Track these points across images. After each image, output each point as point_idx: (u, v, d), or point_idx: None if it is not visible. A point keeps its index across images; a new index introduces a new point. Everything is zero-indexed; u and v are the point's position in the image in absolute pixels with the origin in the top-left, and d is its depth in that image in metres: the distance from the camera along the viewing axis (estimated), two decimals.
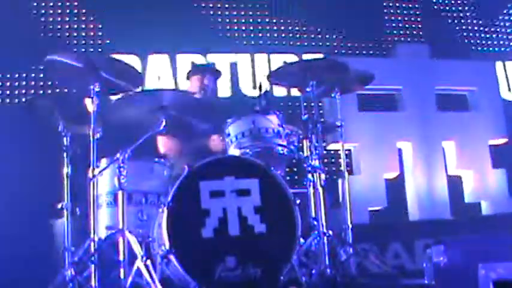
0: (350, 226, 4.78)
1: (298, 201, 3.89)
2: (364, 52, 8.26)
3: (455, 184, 7.68)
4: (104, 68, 4.00)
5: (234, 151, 4.34)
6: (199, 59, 7.30)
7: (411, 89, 7.52)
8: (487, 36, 9.11)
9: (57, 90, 6.70)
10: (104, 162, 4.15)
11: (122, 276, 3.65)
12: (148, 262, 3.63)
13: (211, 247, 3.63)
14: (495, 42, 9.10)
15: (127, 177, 3.85)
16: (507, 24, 9.28)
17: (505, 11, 9.35)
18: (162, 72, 7.36)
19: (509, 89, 8.77)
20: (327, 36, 8.18)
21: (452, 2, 9.08)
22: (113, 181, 3.91)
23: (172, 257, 3.58)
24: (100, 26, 7.36)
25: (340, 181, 5.33)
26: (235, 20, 7.87)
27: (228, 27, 7.83)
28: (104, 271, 3.78)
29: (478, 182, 7.56)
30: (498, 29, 9.19)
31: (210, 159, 3.94)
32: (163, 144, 5.31)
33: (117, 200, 3.87)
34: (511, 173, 7.92)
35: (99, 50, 7.21)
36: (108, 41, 7.33)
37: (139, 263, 3.62)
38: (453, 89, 8.00)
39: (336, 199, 5.47)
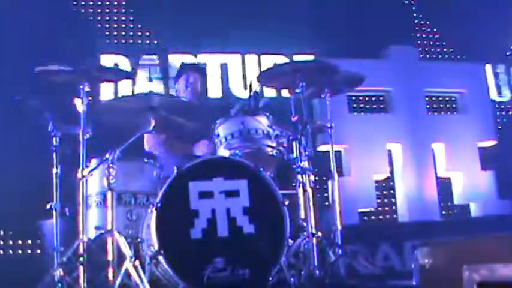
0: (339, 227, 4.78)
1: (287, 202, 3.90)
2: (354, 54, 8.27)
3: (444, 186, 7.73)
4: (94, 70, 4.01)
5: (223, 152, 4.33)
6: (189, 59, 7.29)
7: (401, 91, 7.55)
8: (477, 38, 9.14)
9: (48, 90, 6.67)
10: (93, 162, 4.13)
11: (110, 277, 3.64)
12: (137, 263, 3.62)
13: (200, 248, 3.64)
14: (485, 45, 9.14)
15: (116, 177, 3.83)
16: (496, 27, 9.32)
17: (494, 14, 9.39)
18: (152, 72, 7.34)
19: (499, 92, 8.81)
20: (318, 37, 8.19)
21: (442, 4, 9.11)
22: (102, 181, 3.89)
23: (161, 258, 3.58)
24: (90, 27, 7.33)
25: (329, 182, 5.33)
26: (225, 21, 7.85)
27: (218, 28, 7.82)
28: (93, 272, 3.77)
29: (467, 184, 7.60)
30: (487, 32, 9.22)
31: (199, 160, 3.95)
32: (152, 143, 5.29)
33: (106, 200, 3.85)
34: (500, 175, 7.97)
35: (90, 49, 7.17)
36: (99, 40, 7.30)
37: (128, 264, 3.61)
38: (443, 91, 8.05)
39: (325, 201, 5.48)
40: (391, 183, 7.53)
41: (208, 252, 3.62)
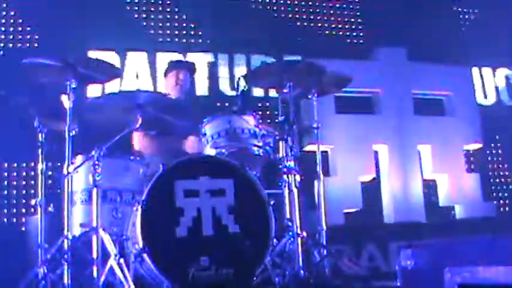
0: (325, 227, 4.79)
1: (272, 202, 3.91)
2: (342, 55, 8.29)
3: (430, 188, 7.76)
4: (80, 65, 3.99)
5: (209, 151, 4.33)
6: (178, 58, 7.28)
7: (388, 93, 7.57)
8: (464, 42, 9.20)
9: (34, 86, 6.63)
10: (79, 159, 4.12)
11: (94, 274, 3.63)
12: (122, 261, 3.62)
13: (185, 247, 3.63)
14: (472, 48, 9.19)
15: (102, 174, 3.83)
16: (483, 31, 9.38)
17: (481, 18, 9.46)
18: (140, 69, 7.31)
19: (485, 95, 8.86)
20: (305, 38, 8.21)
21: (431, 6, 9.14)
22: (88, 178, 3.89)
23: (145, 256, 3.57)
24: (78, 22, 7.29)
25: (315, 183, 5.33)
26: (214, 20, 7.85)
27: (206, 27, 7.82)
28: (77, 269, 3.76)
29: (453, 186, 7.63)
30: (475, 35, 9.28)
31: (186, 159, 3.95)
32: (138, 141, 5.28)
33: (91, 197, 3.85)
34: (485, 178, 8.02)
35: (77, 46, 7.14)
36: (86, 37, 7.26)
37: (112, 262, 3.61)
38: (430, 94, 8.07)
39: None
40: (377, 184, 7.54)
41: (193, 251, 3.61)
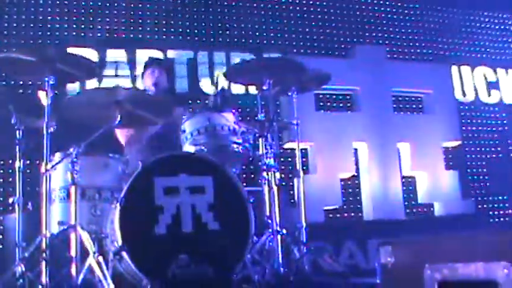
0: (304, 225, 4.79)
1: (252, 200, 3.90)
2: (322, 52, 8.32)
3: (409, 185, 7.81)
4: (59, 60, 3.94)
5: (189, 148, 4.32)
6: (157, 55, 7.24)
7: (368, 90, 7.59)
8: (444, 40, 9.27)
9: (12, 82, 6.57)
10: (57, 156, 4.08)
11: (73, 273, 3.60)
12: (101, 259, 3.59)
13: (164, 244, 3.62)
14: (451, 47, 9.27)
15: (81, 172, 3.79)
16: (462, 29, 9.47)
17: (461, 17, 9.54)
18: (119, 67, 7.27)
19: (464, 93, 8.93)
20: (285, 35, 8.22)
21: (411, 5, 9.21)
22: (66, 176, 3.85)
23: (124, 254, 3.55)
24: (57, 18, 7.24)
25: (295, 180, 5.35)
26: (195, 17, 7.84)
27: (187, 24, 7.80)
28: (55, 267, 3.73)
29: (432, 184, 7.68)
30: (454, 34, 9.36)
31: (165, 156, 3.92)
32: (122, 135, 5.24)
33: (70, 195, 3.81)
34: (464, 175, 8.08)
35: (56, 42, 7.09)
36: (65, 33, 7.22)
37: (91, 260, 3.58)
38: (409, 91, 8.12)
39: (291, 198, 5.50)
40: (357, 182, 7.58)
41: (173, 249, 3.60)
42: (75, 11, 7.28)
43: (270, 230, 4.16)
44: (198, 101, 7.18)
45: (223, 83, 4.70)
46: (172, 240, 3.64)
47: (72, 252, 3.67)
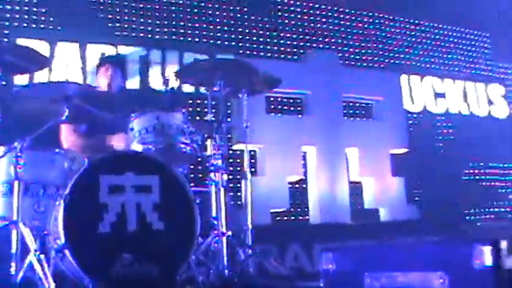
0: (250, 227, 4.80)
1: (198, 200, 3.89)
2: (275, 55, 8.36)
3: (356, 190, 7.90)
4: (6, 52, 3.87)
5: (136, 146, 4.27)
6: (109, 50, 7.17)
7: (318, 95, 7.65)
8: (395, 49, 9.44)
9: None
10: (0, 150, 4.00)
11: (12, 270, 3.53)
12: (42, 256, 3.53)
13: (108, 243, 3.57)
14: (402, 56, 9.43)
15: (25, 167, 3.73)
16: (412, 39, 9.65)
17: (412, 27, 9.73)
18: (70, 60, 7.17)
19: (412, 101, 9.09)
20: (239, 37, 8.24)
21: (364, 13, 9.33)
22: (10, 170, 3.78)
23: (67, 252, 3.49)
24: (8, 8, 7.10)
25: (243, 182, 5.35)
26: (149, 14, 7.78)
27: (141, 21, 7.74)
28: None
29: (378, 189, 7.79)
30: (404, 43, 9.54)
31: (112, 154, 3.89)
32: (66, 136, 5.16)
33: (12, 190, 3.73)
34: (409, 182, 8.22)
35: (6, 33, 6.95)
36: (16, 25, 7.08)
37: (32, 257, 3.51)
38: (359, 98, 8.21)
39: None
40: (304, 185, 7.63)
41: (116, 248, 3.55)
42: (26, 1, 7.16)
43: (216, 232, 4.15)
44: (149, 99, 7.12)
45: (174, 82, 4.66)
46: (116, 239, 3.59)
47: (13, 249, 3.60)
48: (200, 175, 4.65)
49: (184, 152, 4.34)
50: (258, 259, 4.59)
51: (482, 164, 9.78)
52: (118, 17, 7.63)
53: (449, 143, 9.57)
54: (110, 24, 7.56)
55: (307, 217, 7.59)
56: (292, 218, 7.73)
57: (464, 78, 9.88)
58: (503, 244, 2.35)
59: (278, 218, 7.32)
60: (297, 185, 7.67)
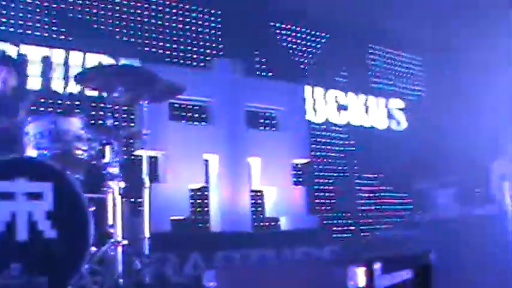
0: (148, 235, 4.72)
1: (93, 208, 3.82)
2: (180, 62, 8.32)
3: (257, 198, 7.95)
4: None
5: (31, 151, 4.14)
6: (10, 50, 6.90)
7: (222, 103, 7.64)
8: (300, 60, 9.61)
9: None
10: None
11: None
12: None
13: None
14: (307, 67, 9.61)
15: None
16: (318, 52, 9.85)
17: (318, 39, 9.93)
18: None
19: (315, 113, 9.27)
20: (145, 41, 8.15)
21: (271, 24, 9.45)
22: None
23: None
24: None
25: (142, 189, 5.26)
26: (54, 13, 7.56)
27: (45, 20, 7.50)
28: None
29: (279, 198, 7.84)
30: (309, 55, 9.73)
31: (2, 159, 3.74)
32: None
33: None
34: (310, 192, 8.35)
35: None
36: None
37: None
38: (263, 107, 8.28)
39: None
40: (206, 193, 7.61)
41: (4, 258, 3.43)
42: None
43: (112, 240, 4.08)
44: (48, 102, 6.91)
45: (74, 86, 4.56)
46: (4, 249, 3.47)
47: None
48: (97, 182, 4.55)
49: (81, 159, 4.24)
50: (156, 268, 4.55)
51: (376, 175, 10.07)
52: (21, 14, 7.37)
53: (350, 154, 9.81)
54: (12, 21, 7.28)
55: (207, 225, 7.57)
56: (193, 226, 7.68)
57: (366, 92, 10.19)
58: (377, 266, 2.43)
59: (178, 225, 7.24)
60: (198, 193, 7.63)
